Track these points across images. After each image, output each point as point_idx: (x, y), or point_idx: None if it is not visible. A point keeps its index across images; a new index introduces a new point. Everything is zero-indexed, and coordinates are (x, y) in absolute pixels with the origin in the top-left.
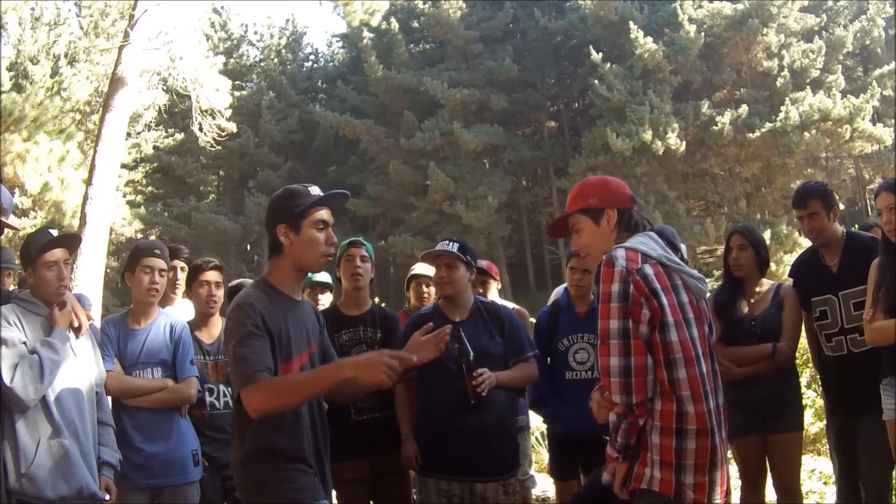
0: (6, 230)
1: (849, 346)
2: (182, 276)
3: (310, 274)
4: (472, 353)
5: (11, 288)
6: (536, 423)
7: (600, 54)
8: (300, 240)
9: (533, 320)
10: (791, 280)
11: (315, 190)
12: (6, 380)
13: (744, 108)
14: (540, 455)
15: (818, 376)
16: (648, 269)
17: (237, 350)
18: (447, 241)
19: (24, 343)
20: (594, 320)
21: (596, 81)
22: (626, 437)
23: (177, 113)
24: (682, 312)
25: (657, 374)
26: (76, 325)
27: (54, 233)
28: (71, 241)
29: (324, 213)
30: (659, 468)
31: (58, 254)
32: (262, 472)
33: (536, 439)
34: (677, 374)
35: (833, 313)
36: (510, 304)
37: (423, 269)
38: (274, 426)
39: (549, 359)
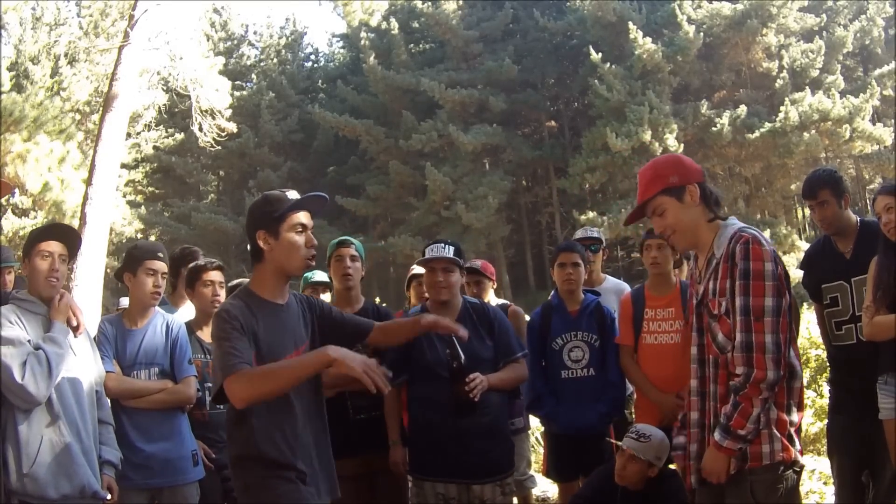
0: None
1: (858, 334)
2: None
3: (307, 275)
4: (463, 358)
5: (10, 288)
6: (535, 423)
7: (600, 54)
8: (279, 245)
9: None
10: (797, 276)
11: (292, 194)
12: (17, 377)
13: (743, 109)
14: (540, 455)
15: (818, 376)
16: (777, 253)
17: (218, 349)
18: (442, 245)
19: (28, 341)
20: (586, 318)
21: (595, 82)
22: (763, 420)
23: (177, 113)
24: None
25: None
26: (74, 323)
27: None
28: (68, 234)
29: (301, 217)
30: (780, 441)
31: (54, 246)
32: (247, 477)
33: (537, 439)
34: (791, 351)
35: (844, 300)
36: (499, 301)
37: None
38: (258, 433)
39: (542, 360)
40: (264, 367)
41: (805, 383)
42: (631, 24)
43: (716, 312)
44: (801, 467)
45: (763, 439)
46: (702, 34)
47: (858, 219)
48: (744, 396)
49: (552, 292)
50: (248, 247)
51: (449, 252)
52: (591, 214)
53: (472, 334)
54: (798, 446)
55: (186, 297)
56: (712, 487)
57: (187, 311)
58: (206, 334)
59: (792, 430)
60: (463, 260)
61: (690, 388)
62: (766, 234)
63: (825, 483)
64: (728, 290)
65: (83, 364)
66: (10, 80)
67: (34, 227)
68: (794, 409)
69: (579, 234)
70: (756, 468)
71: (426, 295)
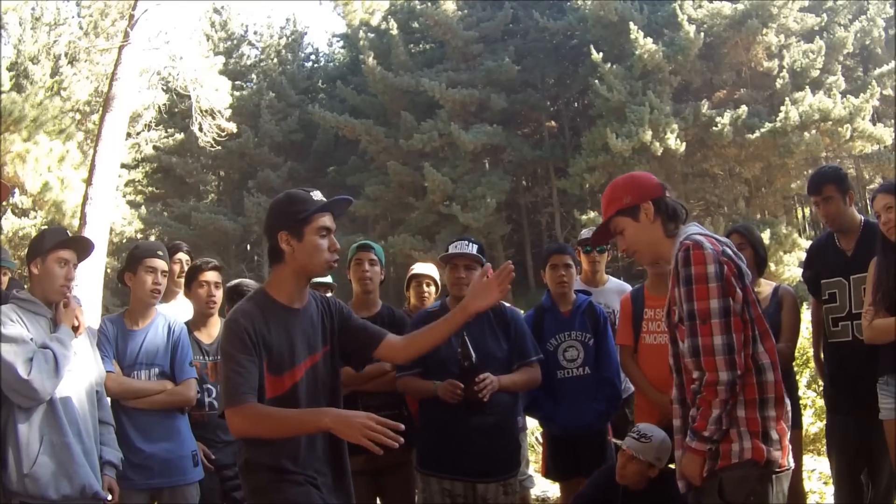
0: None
1: (854, 331)
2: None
3: None
4: (474, 357)
5: (4, 288)
6: (533, 423)
7: (600, 54)
8: (302, 247)
9: None
10: (798, 276)
11: (317, 195)
12: (23, 373)
13: (743, 109)
14: (538, 455)
15: (818, 377)
16: (730, 251)
17: (226, 368)
18: (465, 242)
19: (31, 339)
20: (579, 318)
21: (596, 81)
22: (727, 420)
23: (177, 113)
24: (752, 292)
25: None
26: (75, 323)
27: (70, 234)
28: (84, 247)
29: (327, 220)
30: (749, 439)
31: (70, 254)
32: (255, 481)
33: (537, 439)
34: (759, 346)
35: (842, 296)
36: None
37: (423, 268)
38: (266, 440)
39: None
40: (268, 412)
41: (805, 383)
42: (632, 24)
43: (675, 321)
44: (782, 468)
45: (732, 437)
46: (702, 34)
47: (863, 218)
48: (702, 399)
49: (544, 294)
50: (268, 247)
51: (472, 249)
52: (591, 214)
53: (487, 333)
54: (779, 445)
55: (175, 292)
56: (696, 490)
57: (174, 308)
58: (203, 335)
59: (771, 426)
60: (485, 258)
61: (672, 396)
62: (766, 234)
63: (825, 483)
64: (678, 298)
65: (84, 364)
66: (10, 80)
67: (43, 228)
68: (771, 405)
69: (584, 234)
70: (725, 466)
71: (425, 295)
